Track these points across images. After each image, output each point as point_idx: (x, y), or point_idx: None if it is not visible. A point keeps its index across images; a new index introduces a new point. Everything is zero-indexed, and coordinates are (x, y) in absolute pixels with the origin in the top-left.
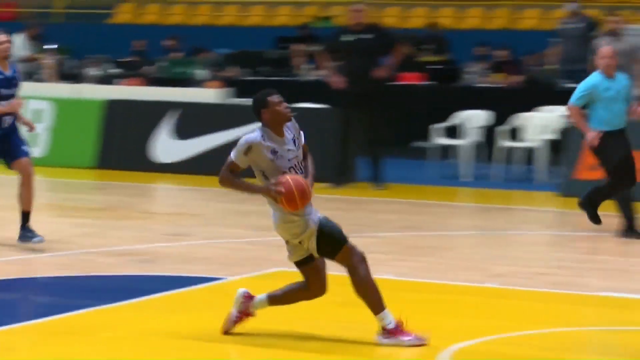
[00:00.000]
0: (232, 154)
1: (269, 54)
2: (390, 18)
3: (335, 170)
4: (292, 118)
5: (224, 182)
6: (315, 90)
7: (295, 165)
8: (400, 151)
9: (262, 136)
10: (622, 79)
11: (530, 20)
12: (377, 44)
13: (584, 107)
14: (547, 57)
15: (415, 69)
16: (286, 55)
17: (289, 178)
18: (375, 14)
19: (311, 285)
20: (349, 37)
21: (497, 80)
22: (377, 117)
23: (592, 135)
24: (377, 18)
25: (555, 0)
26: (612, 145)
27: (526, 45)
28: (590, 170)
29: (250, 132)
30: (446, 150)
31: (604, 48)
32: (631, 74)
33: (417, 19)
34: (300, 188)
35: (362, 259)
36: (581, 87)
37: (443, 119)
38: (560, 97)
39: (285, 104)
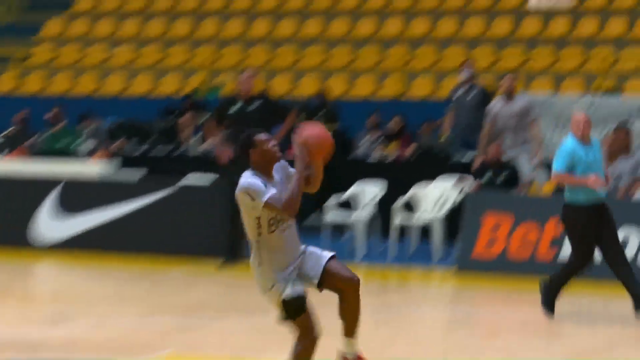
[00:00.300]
0: (264, 197)
1: (156, 125)
2: (280, 86)
3: (226, 247)
4: (283, 160)
5: (292, 205)
6: (203, 163)
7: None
8: None
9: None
10: (596, 143)
11: (422, 88)
12: (266, 113)
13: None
14: (441, 127)
15: None
16: (173, 125)
17: (303, 134)
18: (265, 82)
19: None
20: (238, 106)
21: (391, 151)
22: None
23: (594, 179)
24: (266, 86)
25: (448, 68)
26: (586, 224)
27: (419, 114)
28: (488, 246)
29: (245, 178)
30: (341, 226)
31: (578, 114)
32: (520, 135)
33: (307, 87)
34: (317, 133)
35: (315, 339)
36: (562, 153)
37: (336, 192)
38: (456, 168)
39: (274, 142)
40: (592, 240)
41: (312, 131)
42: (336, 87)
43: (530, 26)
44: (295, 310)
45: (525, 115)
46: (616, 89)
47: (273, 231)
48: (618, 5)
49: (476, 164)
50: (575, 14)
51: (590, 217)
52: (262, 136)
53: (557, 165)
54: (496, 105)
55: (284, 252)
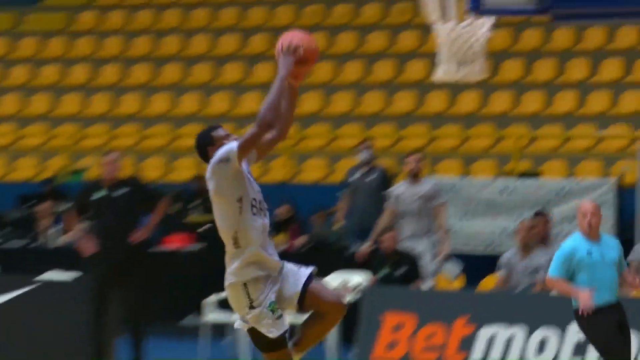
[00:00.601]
0: (234, 145)
1: (9, 215)
2: (153, 170)
3: (90, 352)
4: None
5: (271, 111)
6: (64, 257)
7: (260, 200)
8: (167, 328)
9: None
10: (609, 240)
11: (314, 171)
12: (135, 201)
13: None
14: (335, 215)
15: (183, 230)
16: (29, 215)
17: (286, 37)
18: (135, 165)
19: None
20: (102, 193)
21: (279, 242)
22: (138, 287)
23: (585, 297)
24: (136, 170)
25: (343, 148)
26: (601, 324)
27: (311, 200)
28: (388, 349)
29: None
30: (222, 327)
31: (585, 203)
32: (424, 222)
33: (183, 170)
34: (308, 37)
35: None
36: (559, 254)
37: (216, 289)
38: (352, 261)
39: (234, 137)
40: (619, 341)
41: (302, 35)
42: None
43: (436, 101)
44: (277, 344)
45: (431, 200)
46: (533, 172)
47: (255, 213)
48: (534, 78)
49: (362, 254)
50: (487, 88)
51: (606, 318)
52: (220, 132)
53: (551, 270)
54: (399, 187)
55: (263, 241)
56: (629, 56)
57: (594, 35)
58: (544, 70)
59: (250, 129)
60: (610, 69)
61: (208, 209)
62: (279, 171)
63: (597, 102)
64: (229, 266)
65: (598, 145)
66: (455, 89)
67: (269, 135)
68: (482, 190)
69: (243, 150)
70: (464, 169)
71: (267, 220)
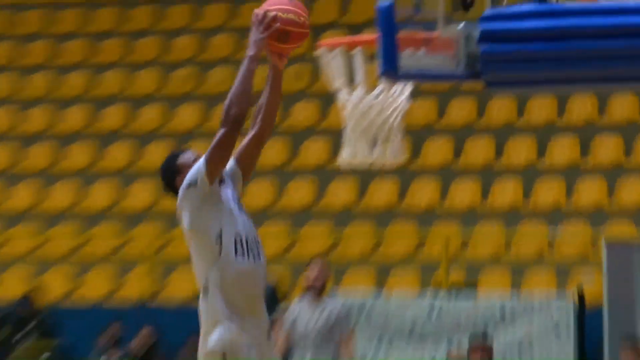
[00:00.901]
0: (201, 161)
1: None
2: None
3: None
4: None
5: (236, 100)
6: None
7: (248, 237)
8: None
9: None
10: None
11: (182, 287)
12: None
13: None
14: None
15: None
16: None
17: (264, 6)
18: None
19: None
20: None
21: None
22: None
23: None
24: None
25: None
26: None
27: (179, 324)
28: None
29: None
30: None
31: None
32: (328, 349)
33: (11, 287)
34: (277, 6)
35: None
36: None
37: None
38: None
39: None
40: None
41: (285, 5)
42: (55, 286)
43: (341, 191)
44: None
45: (338, 324)
46: (467, 284)
47: (242, 254)
48: (465, 162)
49: None
50: (406, 174)
51: None
52: (188, 155)
53: None
54: (295, 307)
55: (251, 293)
56: (584, 134)
57: (540, 108)
58: (476, 151)
59: (216, 135)
60: (562, 151)
61: (45, 333)
62: (137, 285)
63: (547, 192)
64: (204, 327)
65: (550, 248)
66: (365, 175)
67: (249, 135)
68: (403, 310)
69: (213, 161)
70: (378, 281)
71: (258, 264)
